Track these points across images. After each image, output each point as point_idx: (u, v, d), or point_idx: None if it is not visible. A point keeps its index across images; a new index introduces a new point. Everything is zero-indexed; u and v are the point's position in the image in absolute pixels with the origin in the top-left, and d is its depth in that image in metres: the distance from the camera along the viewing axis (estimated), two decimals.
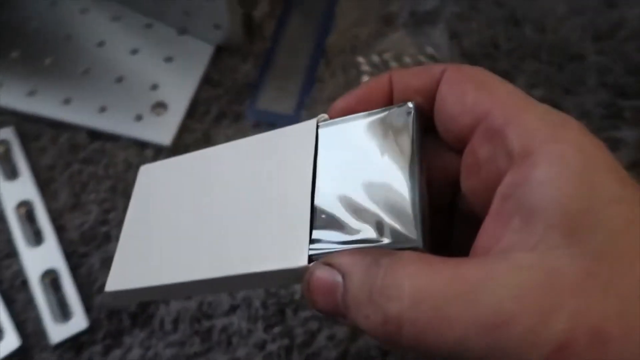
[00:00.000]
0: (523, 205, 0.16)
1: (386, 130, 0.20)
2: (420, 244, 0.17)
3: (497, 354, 0.14)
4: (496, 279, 0.15)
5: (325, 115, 0.22)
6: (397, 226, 0.18)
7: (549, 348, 0.14)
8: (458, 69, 0.19)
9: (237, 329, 0.31)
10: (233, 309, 0.32)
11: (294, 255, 0.19)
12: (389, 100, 0.21)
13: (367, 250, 0.17)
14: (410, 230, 0.17)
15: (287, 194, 0.20)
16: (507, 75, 0.39)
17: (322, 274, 0.18)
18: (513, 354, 0.14)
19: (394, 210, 0.18)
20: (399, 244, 0.17)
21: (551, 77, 0.39)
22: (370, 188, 0.19)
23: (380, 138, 0.20)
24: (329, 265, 0.18)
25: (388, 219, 0.18)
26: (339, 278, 0.17)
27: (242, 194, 0.22)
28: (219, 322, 0.32)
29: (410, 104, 0.20)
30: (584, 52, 0.40)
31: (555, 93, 0.39)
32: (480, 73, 0.19)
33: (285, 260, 0.19)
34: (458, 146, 0.19)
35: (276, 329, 0.31)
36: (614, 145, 0.36)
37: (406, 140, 0.19)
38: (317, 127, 0.21)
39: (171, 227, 0.23)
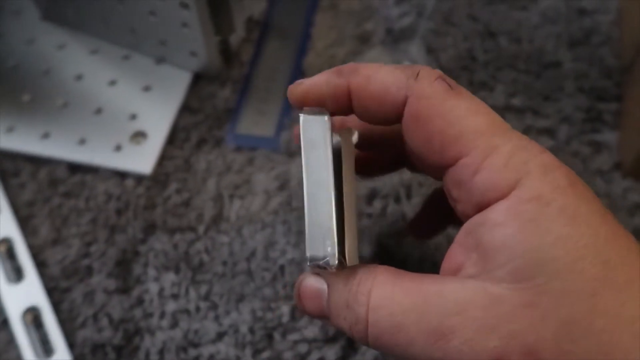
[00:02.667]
0: (480, 243, 0.18)
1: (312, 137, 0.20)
2: (332, 262, 0.19)
3: None
4: (446, 296, 0.17)
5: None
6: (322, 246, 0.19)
7: None
8: (420, 99, 0.19)
9: (225, 356, 0.30)
10: (220, 336, 0.31)
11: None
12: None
13: (355, 265, 0.20)
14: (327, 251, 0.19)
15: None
16: (486, 85, 0.40)
17: (310, 282, 0.21)
18: None
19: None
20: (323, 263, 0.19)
21: (529, 85, 0.39)
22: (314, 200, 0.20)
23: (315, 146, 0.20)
24: (317, 275, 0.21)
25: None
26: (325, 286, 0.20)
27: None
28: (206, 351, 0.31)
29: (325, 118, 0.20)
30: (560, 59, 0.40)
31: (534, 100, 0.39)
32: (444, 104, 0.19)
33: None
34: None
35: (265, 354, 0.30)
36: (596, 148, 0.36)
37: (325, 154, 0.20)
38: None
39: None
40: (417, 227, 0.30)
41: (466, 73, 0.40)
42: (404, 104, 0.19)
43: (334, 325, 0.21)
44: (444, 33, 0.42)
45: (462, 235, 0.19)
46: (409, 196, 0.35)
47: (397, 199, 0.35)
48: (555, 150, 0.36)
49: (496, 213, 0.18)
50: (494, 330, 0.16)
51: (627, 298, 0.16)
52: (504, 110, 0.38)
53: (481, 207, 0.18)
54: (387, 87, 0.20)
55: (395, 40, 0.42)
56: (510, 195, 0.18)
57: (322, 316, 0.21)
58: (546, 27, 0.42)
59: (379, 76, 0.20)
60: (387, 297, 0.18)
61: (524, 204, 0.17)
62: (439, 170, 0.20)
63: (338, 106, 0.21)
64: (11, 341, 0.32)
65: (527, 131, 0.37)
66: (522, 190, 0.17)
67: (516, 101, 0.39)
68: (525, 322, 0.16)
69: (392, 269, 0.19)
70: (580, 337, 0.16)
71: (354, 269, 0.20)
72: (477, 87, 0.39)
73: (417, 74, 0.19)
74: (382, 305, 0.18)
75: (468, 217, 0.19)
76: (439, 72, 0.20)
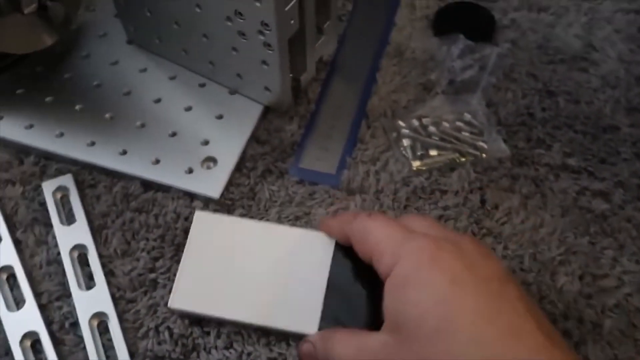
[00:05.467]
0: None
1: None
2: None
3: None
4: (368, 345, 0.28)
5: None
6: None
7: None
8: (352, 230, 0.31)
9: None
10: None
11: (309, 325, 0.31)
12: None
13: (328, 329, 0.31)
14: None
15: (308, 280, 0.32)
16: (543, 143, 0.41)
17: (304, 346, 0.31)
18: None
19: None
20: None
21: (586, 146, 0.41)
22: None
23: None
24: (307, 340, 0.31)
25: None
26: (312, 348, 0.30)
27: (275, 266, 0.34)
28: None
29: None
30: (618, 124, 0.41)
31: (590, 162, 0.40)
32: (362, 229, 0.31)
33: (302, 327, 0.32)
34: None
35: None
36: None
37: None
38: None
39: (221, 272, 0.34)
40: None
41: (524, 129, 0.42)
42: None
43: None
44: (504, 88, 0.44)
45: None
46: None
47: None
48: (609, 214, 0.37)
49: (385, 287, 0.28)
50: None
51: (458, 343, 0.24)
52: (559, 169, 0.39)
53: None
54: (342, 228, 0.33)
55: (457, 91, 0.44)
56: (391, 274, 0.27)
57: None
58: (605, 91, 0.44)
59: (341, 219, 0.33)
60: (340, 350, 0.28)
61: (395, 279, 0.27)
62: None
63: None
64: (78, 343, 0.34)
65: (581, 192, 0.38)
66: (396, 270, 0.27)
67: (572, 161, 0.40)
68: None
69: (347, 330, 0.30)
70: None
71: (329, 333, 0.30)
72: (535, 144, 0.41)
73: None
74: (338, 355, 0.28)
75: None
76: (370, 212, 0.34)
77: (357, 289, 0.32)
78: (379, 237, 0.29)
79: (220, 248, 0.34)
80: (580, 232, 0.36)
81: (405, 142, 0.41)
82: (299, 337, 0.32)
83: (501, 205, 0.38)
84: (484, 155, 0.40)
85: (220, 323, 0.34)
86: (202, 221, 0.35)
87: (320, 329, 0.31)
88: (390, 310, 0.27)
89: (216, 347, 0.33)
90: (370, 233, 0.29)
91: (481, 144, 0.40)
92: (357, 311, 0.31)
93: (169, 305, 0.33)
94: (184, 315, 0.34)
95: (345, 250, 0.33)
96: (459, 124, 0.42)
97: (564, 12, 0.49)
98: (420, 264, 0.26)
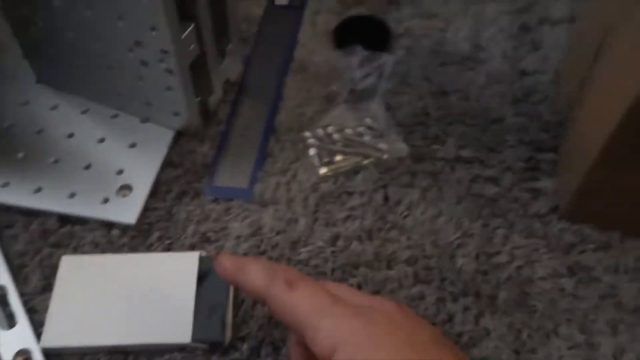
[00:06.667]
0: None
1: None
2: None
3: None
4: None
5: (204, 252, 0.37)
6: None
7: None
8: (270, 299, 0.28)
9: None
10: None
11: (182, 336, 0.34)
12: None
13: None
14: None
15: (177, 297, 0.35)
16: (438, 139, 0.44)
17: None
18: None
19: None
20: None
21: (477, 138, 0.44)
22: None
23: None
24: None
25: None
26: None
27: (143, 292, 0.36)
28: None
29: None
30: (504, 115, 0.45)
31: (481, 152, 0.43)
32: (284, 302, 0.27)
33: (176, 338, 0.34)
34: None
35: None
36: (534, 194, 0.41)
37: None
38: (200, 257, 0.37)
39: (91, 306, 0.35)
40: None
41: (421, 128, 0.45)
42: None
43: None
44: (401, 92, 0.47)
45: None
46: (370, 238, 0.39)
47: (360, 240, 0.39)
48: (498, 197, 0.40)
49: None
50: None
51: None
52: (454, 162, 0.43)
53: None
54: (256, 290, 0.28)
55: (358, 99, 0.47)
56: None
57: None
58: (492, 86, 0.48)
59: (251, 277, 0.29)
60: None
61: None
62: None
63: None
64: None
65: (474, 180, 0.42)
66: (337, 356, 0.25)
67: (465, 153, 0.43)
68: None
69: None
70: None
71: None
72: (431, 140, 0.44)
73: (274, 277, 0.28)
74: None
75: None
76: (288, 275, 0.28)
77: (219, 302, 0.35)
78: (306, 309, 0.27)
79: (88, 285, 0.36)
80: (474, 217, 0.40)
81: (312, 151, 0.43)
82: (175, 349, 0.34)
83: (403, 200, 0.41)
84: (385, 156, 0.43)
85: None
86: (69, 264, 0.37)
87: (193, 337, 0.33)
88: None
89: None
90: (295, 307, 0.27)
91: (382, 145, 0.43)
92: (219, 322, 0.34)
93: (40, 345, 0.34)
94: (61, 354, 0.35)
95: (209, 268, 0.36)
96: (360, 129, 0.44)
97: (452, 17, 0.53)
98: (360, 347, 0.25)
